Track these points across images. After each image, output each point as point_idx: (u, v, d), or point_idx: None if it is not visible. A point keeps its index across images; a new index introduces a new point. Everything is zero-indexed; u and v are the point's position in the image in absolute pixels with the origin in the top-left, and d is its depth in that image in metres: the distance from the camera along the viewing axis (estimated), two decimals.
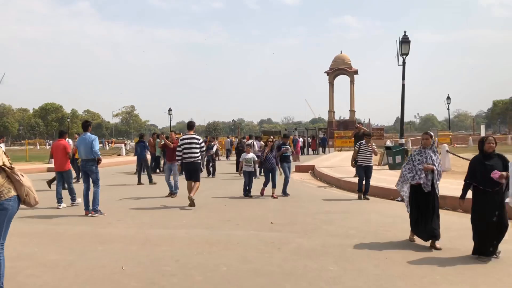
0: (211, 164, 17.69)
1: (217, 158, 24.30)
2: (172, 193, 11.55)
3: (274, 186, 11.38)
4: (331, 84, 57.80)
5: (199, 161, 9.97)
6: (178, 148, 9.98)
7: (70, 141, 14.34)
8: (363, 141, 11.14)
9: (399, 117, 19.44)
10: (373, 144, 11.26)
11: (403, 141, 18.55)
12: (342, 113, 65.49)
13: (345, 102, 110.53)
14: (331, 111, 58.48)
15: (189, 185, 9.96)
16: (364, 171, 10.98)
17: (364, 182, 11.00)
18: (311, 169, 19.38)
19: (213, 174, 17.55)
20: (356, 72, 57.09)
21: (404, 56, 18.29)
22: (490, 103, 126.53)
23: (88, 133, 9.17)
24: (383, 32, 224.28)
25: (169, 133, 12.60)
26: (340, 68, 56.44)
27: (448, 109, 48.26)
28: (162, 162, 18.50)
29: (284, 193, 11.58)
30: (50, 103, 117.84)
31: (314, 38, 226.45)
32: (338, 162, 22.34)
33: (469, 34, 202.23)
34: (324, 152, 36.11)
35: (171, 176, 11.64)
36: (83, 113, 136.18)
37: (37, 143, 68.67)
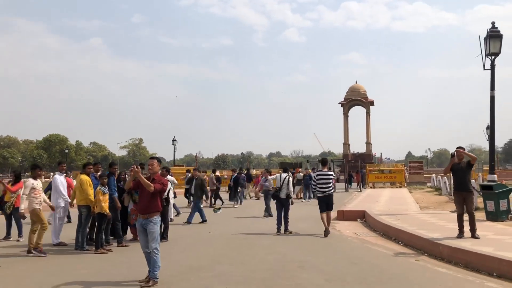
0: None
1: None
2: (150, 277, 6.04)
3: None
4: (345, 115, 54.21)
5: (333, 192, 10.82)
6: (313, 183, 11.90)
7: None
8: None
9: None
10: None
11: (494, 177, 12.91)
12: (352, 147, 59.94)
13: (357, 134, 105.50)
14: (346, 144, 54.72)
15: (323, 216, 10.56)
16: None
17: None
18: (360, 216, 13.77)
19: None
20: (372, 103, 53.49)
21: (492, 57, 12.98)
22: (504, 139, 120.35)
23: None
24: (390, 68, 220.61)
25: (149, 162, 6.51)
26: (355, 99, 52.92)
27: (488, 140, 42.43)
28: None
29: None
30: (55, 135, 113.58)
31: (321, 74, 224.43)
32: (389, 204, 16.70)
33: (477, 70, 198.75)
34: (361, 188, 29.61)
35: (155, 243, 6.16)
36: (89, 145, 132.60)
37: None
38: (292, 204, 11.36)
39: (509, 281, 6.15)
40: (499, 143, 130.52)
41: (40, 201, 8.75)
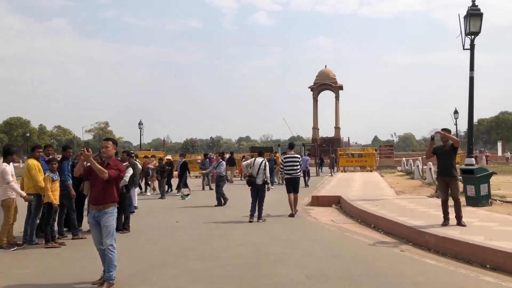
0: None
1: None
2: (105, 279, 5.18)
3: None
4: (315, 100, 54.36)
5: (299, 176, 11.60)
6: (281, 165, 12.01)
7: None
8: None
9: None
10: None
11: (472, 160, 12.56)
12: (320, 131, 59.29)
13: (326, 119, 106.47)
14: (315, 128, 54.75)
15: (291, 197, 10.96)
16: None
17: None
18: (335, 202, 13.23)
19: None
20: (341, 87, 53.67)
21: (472, 37, 12.52)
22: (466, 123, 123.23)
23: None
24: (357, 53, 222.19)
25: (103, 144, 5.54)
26: (324, 83, 52.91)
27: (456, 124, 42.95)
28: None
29: None
30: (16, 118, 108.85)
31: (290, 58, 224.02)
32: (364, 189, 16.28)
33: (440, 56, 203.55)
34: (332, 172, 29.49)
35: (110, 239, 5.27)
36: (53, 128, 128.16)
37: None
38: (268, 190, 10.64)
39: (506, 274, 5.63)
40: (463, 127, 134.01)
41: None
